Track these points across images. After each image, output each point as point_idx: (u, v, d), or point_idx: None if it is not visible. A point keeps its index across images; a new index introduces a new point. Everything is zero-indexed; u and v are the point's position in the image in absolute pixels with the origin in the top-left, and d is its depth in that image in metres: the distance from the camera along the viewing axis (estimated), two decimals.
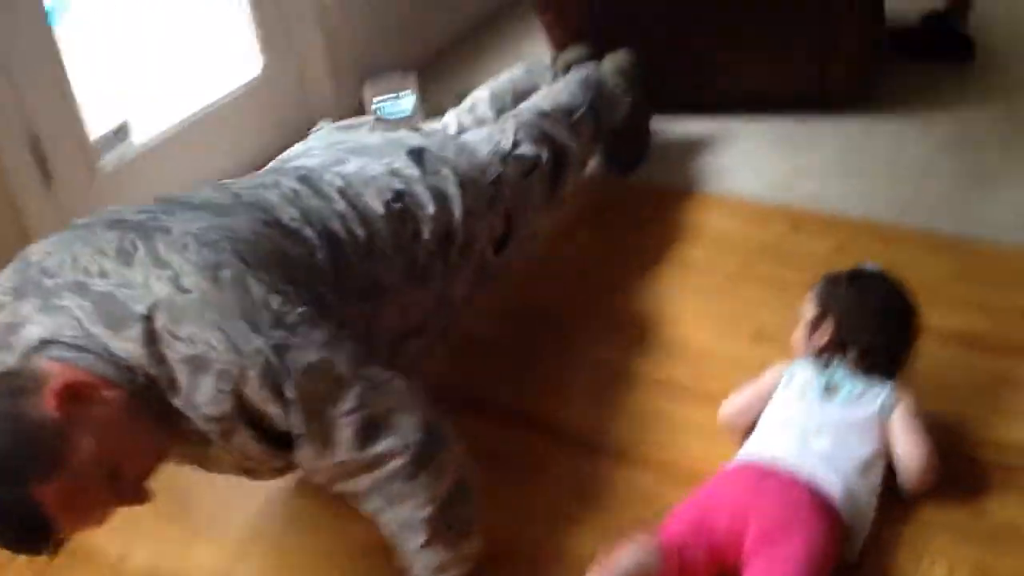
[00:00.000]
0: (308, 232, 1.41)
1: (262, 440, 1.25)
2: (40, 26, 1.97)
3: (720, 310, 1.94)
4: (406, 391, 1.29)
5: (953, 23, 2.76)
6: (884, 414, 1.47)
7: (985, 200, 2.15)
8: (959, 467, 1.51)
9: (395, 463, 1.23)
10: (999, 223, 2.06)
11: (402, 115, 2.66)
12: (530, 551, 1.49)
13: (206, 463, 1.38)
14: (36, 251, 1.30)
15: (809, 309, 1.62)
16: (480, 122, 2.10)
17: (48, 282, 1.24)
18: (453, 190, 1.65)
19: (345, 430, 1.22)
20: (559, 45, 2.57)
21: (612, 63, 2.35)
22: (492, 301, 1.90)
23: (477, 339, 1.91)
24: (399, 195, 1.57)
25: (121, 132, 2.20)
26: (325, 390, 1.22)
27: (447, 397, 1.47)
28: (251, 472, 1.39)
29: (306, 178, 1.54)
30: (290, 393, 1.19)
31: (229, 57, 2.47)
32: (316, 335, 1.23)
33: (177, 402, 1.21)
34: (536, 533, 1.52)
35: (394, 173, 1.62)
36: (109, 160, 2.15)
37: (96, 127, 2.11)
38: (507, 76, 2.31)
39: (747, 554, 1.32)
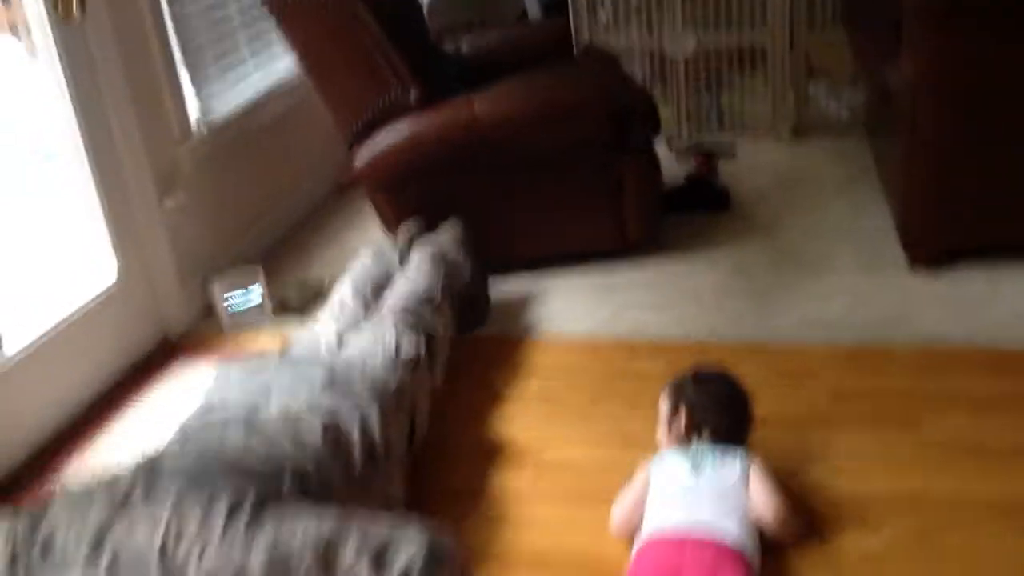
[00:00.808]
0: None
1: None
2: None
3: (586, 428, 2.23)
4: (382, 523, 1.47)
5: (710, 180, 3.34)
6: (744, 475, 1.77)
7: (772, 312, 2.62)
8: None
9: (413, 571, 1.38)
10: (788, 328, 2.51)
11: (252, 306, 2.85)
12: None
13: None
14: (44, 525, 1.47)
15: (663, 407, 1.95)
16: (353, 321, 2.31)
17: (56, 557, 1.41)
18: (368, 410, 1.87)
19: (361, 572, 1.38)
20: (390, 223, 2.88)
21: (448, 234, 2.68)
22: None
23: None
24: (327, 428, 1.78)
25: None
26: (326, 552, 1.39)
27: None
28: None
29: (252, 426, 1.76)
30: (299, 570, 1.38)
31: (85, 264, 2.58)
32: (294, 521, 1.44)
33: None
34: None
35: (312, 408, 1.83)
36: None
37: None
38: (360, 267, 2.55)
39: None
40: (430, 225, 2.76)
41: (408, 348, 2.14)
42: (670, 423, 1.92)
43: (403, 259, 2.58)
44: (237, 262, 3.10)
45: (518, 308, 2.81)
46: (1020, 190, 2.54)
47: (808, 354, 2.39)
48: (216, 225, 3.08)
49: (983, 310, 2.49)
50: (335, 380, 1.93)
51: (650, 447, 2.05)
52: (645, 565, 1.67)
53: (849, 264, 2.81)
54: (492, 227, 2.83)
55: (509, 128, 2.78)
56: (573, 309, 2.77)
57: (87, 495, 1.51)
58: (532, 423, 2.27)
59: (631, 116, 2.81)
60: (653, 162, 2.94)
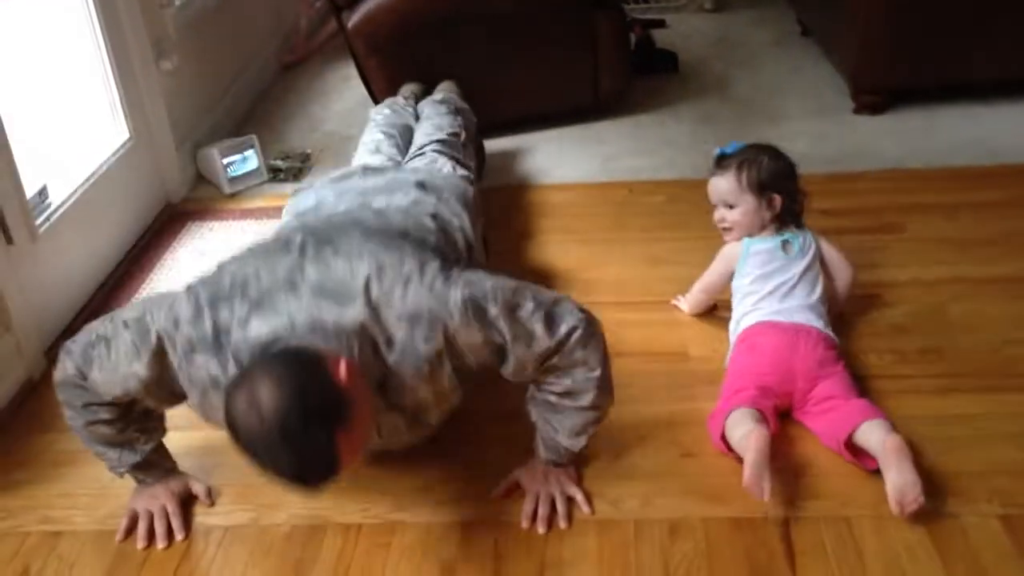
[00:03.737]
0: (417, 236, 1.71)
1: (456, 371, 1.53)
2: None
3: (612, 251, 2.45)
4: (546, 291, 1.61)
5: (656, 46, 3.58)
6: (818, 249, 1.99)
7: None
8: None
9: (575, 336, 1.55)
10: None
11: (250, 170, 2.90)
12: None
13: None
14: (225, 270, 1.52)
15: (742, 196, 1.98)
16: (392, 160, 2.40)
17: (252, 291, 1.47)
18: (458, 208, 1.98)
19: (537, 325, 1.52)
20: (381, 90, 2.98)
21: (448, 90, 2.80)
22: None
23: None
24: (433, 217, 1.87)
25: (43, 195, 2.24)
26: (511, 300, 1.52)
27: None
28: (398, 437, 1.64)
29: (380, 211, 1.82)
30: (493, 312, 1.49)
31: (101, 124, 2.58)
32: (475, 275, 1.54)
33: (392, 357, 1.47)
34: None
35: (417, 203, 1.91)
36: (40, 222, 2.20)
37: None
38: (381, 116, 2.64)
39: (799, 397, 1.75)
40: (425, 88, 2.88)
41: (460, 170, 2.27)
42: (761, 212, 1.97)
43: (415, 114, 2.69)
44: (217, 132, 3.13)
45: (508, 162, 2.98)
46: (957, 33, 2.88)
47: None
48: (199, 94, 3.08)
49: (927, 141, 2.86)
50: (426, 183, 2.00)
51: (676, 263, 2.31)
52: (759, 351, 1.84)
53: (800, 111, 3.13)
54: (476, 89, 2.97)
55: None
56: (563, 160, 2.97)
57: (265, 251, 1.55)
58: (563, 251, 2.47)
59: None
60: (623, 17, 3.13)
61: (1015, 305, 2.10)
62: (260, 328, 1.44)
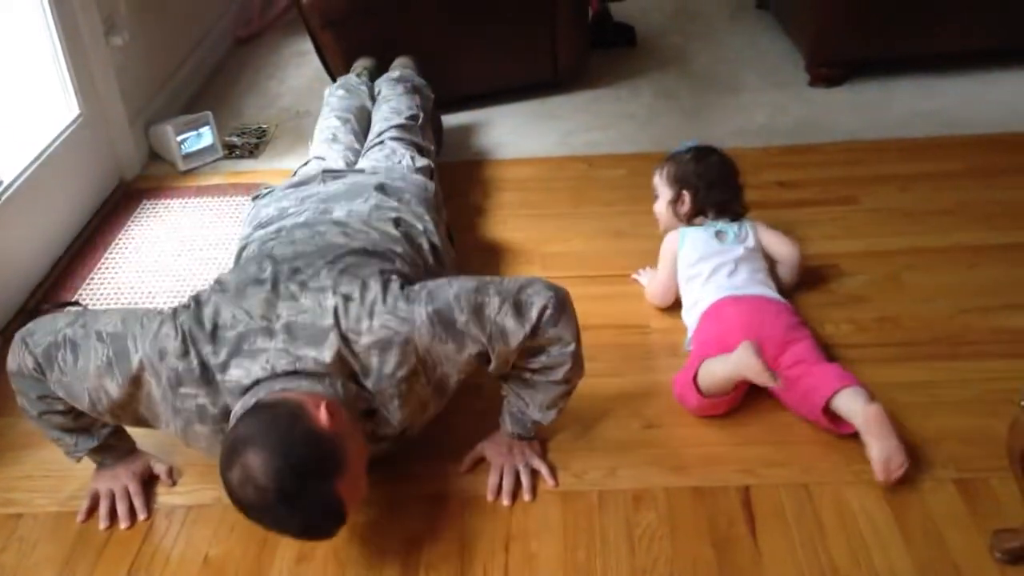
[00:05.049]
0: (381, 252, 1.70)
1: (436, 386, 1.56)
2: None
3: (573, 225, 2.45)
4: (508, 279, 1.61)
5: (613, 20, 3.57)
6: (756, 237, 2.04)
7: (705, 124, 2.91)
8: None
9: (546, 316, 1.55)
10: (725, 135, 2.80)
11: (204, 146, 2.86)
12: None
13: None
14: (204, 305, 1.53)
15: (663, 188, 2.14)
16: (350, 148, 2.38)
17: (231, 335, 1.48)
18: (420, 210, 1.97)
19: (507, 319, 1.53)
20: (337, 65, 2.94)
21: (404, 65, 2.78)
22: None
23: None
24: (396, 223, 1.85)
25: None
26: (476, 301, 1.52)
27: None
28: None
29: (341, 223, 1.80)
30: (461, 319, 1.50)
31: (49, 102, 2.52)
32: (437, 285, 1.55)
33: (370, 383, 1.50)
34: None
35: (378, 207, 1.90)
36: None
37: None
38: (336, 99, 2.60)
39: (770, 363, 1.71)
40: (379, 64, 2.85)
41: (421, 161, 2.26)
42: (675, 205, 2.10)
43: (371, 92, 2.67)
44: (171, 108, 3.08)
45: (466, 137, 2.97)
46: (913, 6, 2.90)
47: (749, 156, 2.65)
48: (152, 69, 3.03)
49: (883, 112, 2.89)
50: (386, 186, 2.00)
51: (638, 236, 2.33)
52: (727, 321, 1.85)
53: (758, 84, 3.14)
54: (432, 63, 2.94)
55: None
56: (521, 135, 2.96)
57: (236, 288, 1.56)
58: (523, 226, 2.47)
59: None
60: None
61: (969, 274, 2.14)
62: (239, 375, 1.46)
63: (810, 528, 1.56)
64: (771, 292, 1.93)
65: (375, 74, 2.80)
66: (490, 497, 1.66)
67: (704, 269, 1.97)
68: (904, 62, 3.08)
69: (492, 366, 1.57)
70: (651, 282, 2.11)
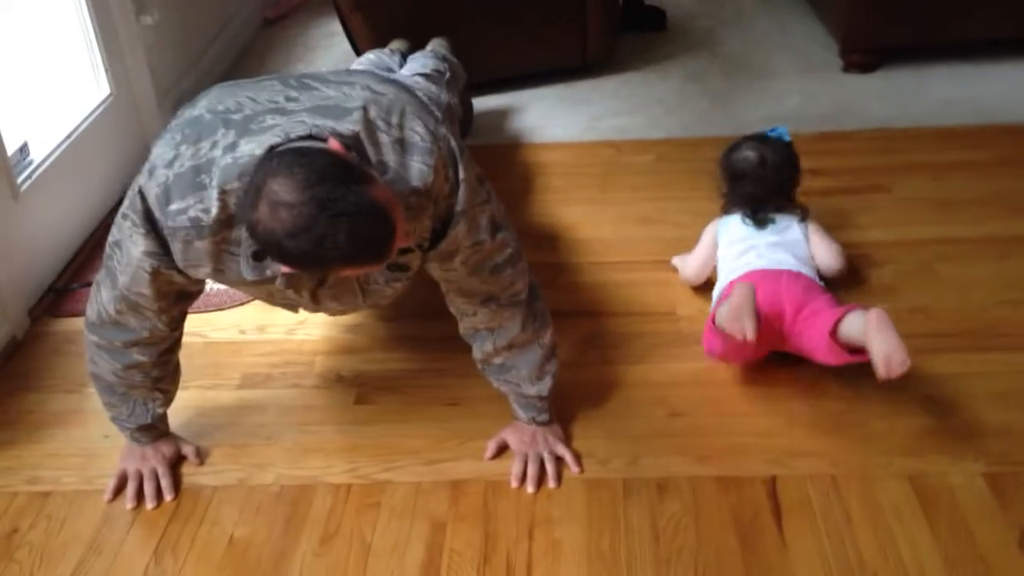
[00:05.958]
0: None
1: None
2: None
3: (600, 211, 2.44)
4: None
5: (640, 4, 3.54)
6: (804, 232, 1.99)
7: (736, 110, 2.89)
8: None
9: (508, 252, 1.56)
10: (755, 122, 2.77)
11: None
12: None
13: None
14: (199, 107, 1.42)
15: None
16: None
17: (236, 117, 1.37)
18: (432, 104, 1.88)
19: (484, 216, 1.52)
20: (366, 45, 2.93)
21: (439, 44, 2.77)
22: None
23: None
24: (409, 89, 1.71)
25: (24, 152, 2.20)
26: (476, 178, 1.52)
27: None
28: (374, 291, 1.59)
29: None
30: (461, 174, 1.47)
31: (81, 81, 2.53)
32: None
33: (385, 179, 1.38)
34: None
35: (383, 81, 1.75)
36: (22, 180, 2.17)
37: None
38: (366, 61, 2.59)
39: (790, 320, 1.75)
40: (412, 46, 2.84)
41: (443, 95, 2.26)
42: (726, 195, 2.07)
43: (402, 64, 2.65)
44: (199, 88, 3.08)
45: (494, 121, 2.95)
46: None
47: None
48: (181, 49, 3.04)
49: (915, 100, 2.85)
50: (395, 80, 1.85)
51: (665, 223, 2.31)
52: (748, 279, 1.81)
53: (789, 69, 3.11)
54: (463, 46, 2.93)
55: None
56: (549, 120, 2.94)
57: (236, 85, 1.47)
58: (549, 211, 2.46)
59: None
60: None
61: (1002, 265, 2.11)
62: (251, 148, 1.34)
63: (837, 520, 1.54)
64: (803, 267, 1.90)
65: (408, 55, 2.79)
66: (514, 484, 1.65)
67: (739, 248, 1.96)
68: (938, 49, 3.03)
69: (441, 245, 1.51)
70: (687, 259, 2.09)
